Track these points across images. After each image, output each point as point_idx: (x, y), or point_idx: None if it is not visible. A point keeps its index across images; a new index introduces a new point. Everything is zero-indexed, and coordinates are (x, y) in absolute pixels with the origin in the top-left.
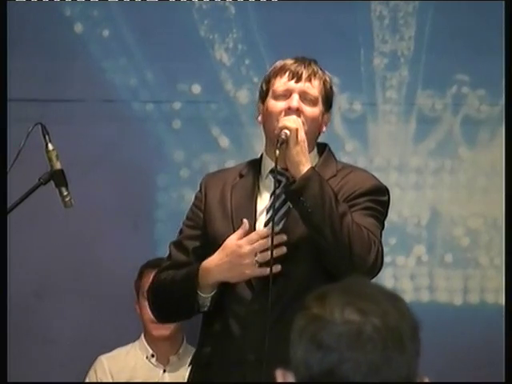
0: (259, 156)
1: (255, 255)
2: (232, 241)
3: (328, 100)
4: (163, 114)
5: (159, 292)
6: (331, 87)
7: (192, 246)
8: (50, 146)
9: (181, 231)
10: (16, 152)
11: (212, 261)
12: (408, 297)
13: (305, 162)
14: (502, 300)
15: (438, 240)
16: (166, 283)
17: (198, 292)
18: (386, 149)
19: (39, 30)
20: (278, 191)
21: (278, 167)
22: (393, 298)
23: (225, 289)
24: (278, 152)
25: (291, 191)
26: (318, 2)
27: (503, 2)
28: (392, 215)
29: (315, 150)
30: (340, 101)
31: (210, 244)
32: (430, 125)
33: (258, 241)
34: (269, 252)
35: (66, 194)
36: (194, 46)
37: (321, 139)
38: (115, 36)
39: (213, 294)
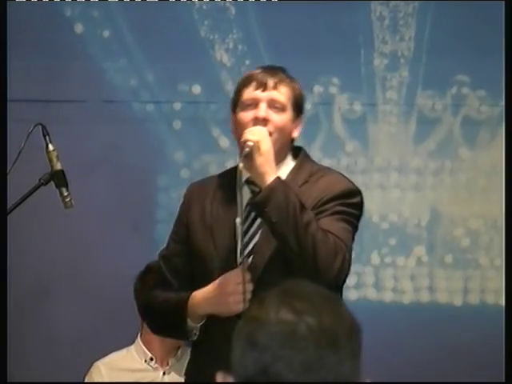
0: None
1: (243, 293)
2: (225, 277)
3: (298, 105)
4: (163, 114)
5: (150, 312)
6: (301, 93)
7: (179, 263)
8: (51, 147)
9: (168, 245)
10: (16, 152)
11: (202, 292)
12: (408, 297)
13: (270, 172)
14: (502, 300)
15: (438, 241)
16: (156, 305)
17: (188, 320)
18: (386, 149)
19: (39, 30)
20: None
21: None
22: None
23: None
24: (241, 165)
25: (256, 203)
26: (318, 2)
27: (503, 2)
28: (392, 216)
29: (289, 156)
30: (340, 101)
31: (194, 259)
32: (430, 125)
33: (246, 282)
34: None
35: (66, 194)
36: (195, 47)
37: (321, 140)
38: (115, 37)
39: (202, 323)
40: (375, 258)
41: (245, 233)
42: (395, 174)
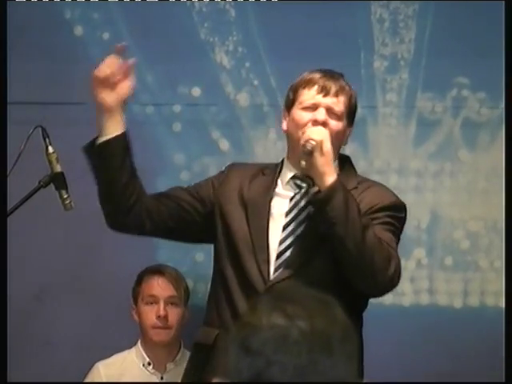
0: (280, 161)
1: None
2: None
3: (352, 115)
4: (163, 116)
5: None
6: (356, 103)
7: (176, 205)
8: (51, 149)
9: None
10: (16, 155)
11: None
12: (408, 300)
13: (330, 172)
14: (502, 303)
15: (438, 243)
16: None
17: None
18: (385, 152)
19: (39, 32)
20: (298, 197)
21: (301, 174)
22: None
23: (237, 278)
24: (303, 163)
25: (317, 200)
26: (318, 4)
27: (503, 3)
28: None
29: (336, 162)
30: None
31: (226, 234)
32: (430, 128)
33: None
34: None
35: (66, 196)
36: (194, 49)
37: None
38: (115, 39)
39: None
40: None
41: (286, 226)
42: (395, 176)
